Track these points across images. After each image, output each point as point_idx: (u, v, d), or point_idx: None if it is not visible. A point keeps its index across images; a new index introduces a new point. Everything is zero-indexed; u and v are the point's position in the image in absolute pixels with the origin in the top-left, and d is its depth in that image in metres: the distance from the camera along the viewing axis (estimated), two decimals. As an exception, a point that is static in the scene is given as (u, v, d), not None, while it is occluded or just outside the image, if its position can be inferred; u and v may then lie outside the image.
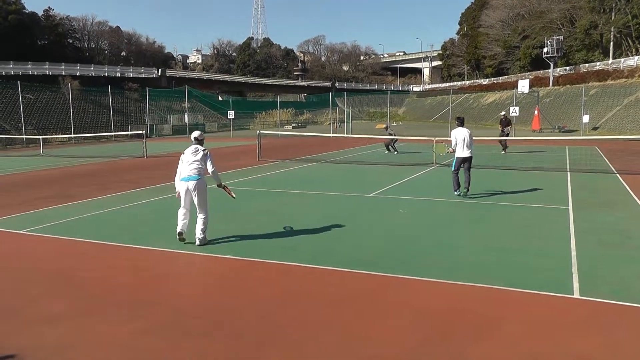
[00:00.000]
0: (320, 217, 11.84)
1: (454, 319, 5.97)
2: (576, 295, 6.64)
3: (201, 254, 8.88)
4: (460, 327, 5.76)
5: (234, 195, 10.14)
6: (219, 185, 9.92)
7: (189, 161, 9.41)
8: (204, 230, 9.37)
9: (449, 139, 14.82)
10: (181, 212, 9.42)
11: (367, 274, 7.64)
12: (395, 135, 29.46)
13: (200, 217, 9.37)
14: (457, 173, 14.25)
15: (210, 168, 9.52)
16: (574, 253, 8.51)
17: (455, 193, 14.15)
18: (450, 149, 14.41)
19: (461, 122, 14.40)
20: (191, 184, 9.24)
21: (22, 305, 6.70)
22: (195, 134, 9.91)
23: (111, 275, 7.90)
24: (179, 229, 9.38)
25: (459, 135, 14.06)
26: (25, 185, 18.52)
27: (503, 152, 27.72)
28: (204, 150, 9.62)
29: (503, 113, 30.22)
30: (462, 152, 14.06)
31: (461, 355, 5.10)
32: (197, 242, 9.31)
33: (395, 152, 28.27)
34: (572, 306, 6.35)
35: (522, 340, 5.41)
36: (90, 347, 5.46)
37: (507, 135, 28.07)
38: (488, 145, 30.46)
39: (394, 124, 53.69)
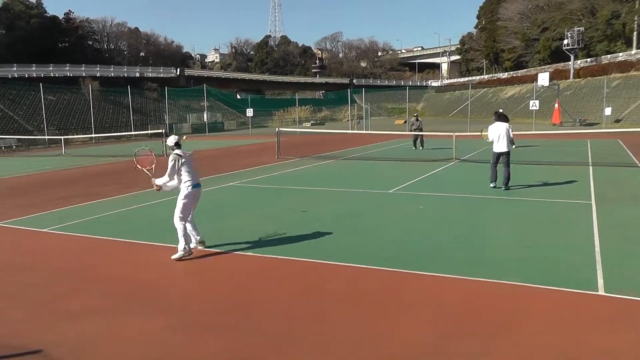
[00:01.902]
0: (341, 214, 11.84)
1: (475, 316, 5.94)
2: (601, 292, 6.54)
3: (224, 251, 8.92)
4: (482, 324, 5.72)
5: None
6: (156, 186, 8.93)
7: (191, 166, 8.80)
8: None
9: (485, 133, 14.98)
10: (190, 224, 8.84)
11: (388, 270, 7.62)
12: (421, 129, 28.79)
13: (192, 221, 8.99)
14: (495, 166, 14.48)
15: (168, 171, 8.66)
16: (597, 249, 8.40)
17: (491, 185, 14.45)
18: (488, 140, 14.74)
19: (498, 117, 14.56)
20: (199, 191, 8.94)
21: (46, 302, 6.79)
22: (176, 138, 8.88)
23: (134, 273, 7.97)
24: (199, 238, 8.96)
25: (494, 132, 14.23)
26: (48, 184, 18.75)
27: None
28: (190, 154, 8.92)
29: (501, 110, 29.57)
30: (498, 147, 14.21)
31: (483, 352, 5.07)
32: (196, 244, 8.97)
33: (421, 148, 27.94)
34: (596, 303, 6.26)
35: (545, 337, 5.36)
36: (114, 343, 5.52)
37: None
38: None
39: (412, 119, 53.44)
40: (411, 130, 29.24)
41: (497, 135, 14.16)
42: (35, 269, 8.38)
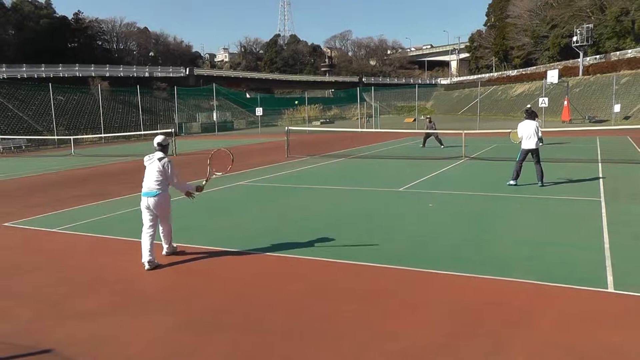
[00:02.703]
0: (350, 213, 11.84)
1: (485, 314, 5.92)
2: (610, 289, 6.51)
3: (232, 249, 8.94)
4: (492, 322, 5.70)
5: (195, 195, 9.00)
6: (189, 194, 8.83)
7: (148, 172, 8.41)
8: (170, 240, 8.72)
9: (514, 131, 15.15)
10: (145, 234, 8.21)
11: (397, 268, 7.62)
12: (435, 129, 28.24)
13: (163, 230, 8.56)
14: (521, 163, 14.58)
15: (173, 179, 8.42)
16: (607, 246, 8.36)
17: (511, 182, 14.49)
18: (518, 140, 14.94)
19: (529, 115, 14.77)
20: (151, 201, 8.24)
21: (57, 301, 6.83)
22: (159, 139, 8.60)
23: (144, 272, 7.99)
24: (147, 258, 8.08)
25: (524, 129, 14.40)
26: (58, 184, 18.85)
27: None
28: (160, 158, 8.36)
29: (529, 105, 29.63)
30: (527, 144, 14.38)
31: (494, 350, 5.05)
32: (165, 252, 8.70)
33: (442, 146, 27.25)
34: (606, 300, 6.23)
35: (555, 335, 5.33)
36: (124, 342, 5.54)
37: None
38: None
39: (422, 117, 53.22)
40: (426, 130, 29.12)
41: (527, 132, 14.32)
42: (46, 269, 8.42)
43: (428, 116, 32.82)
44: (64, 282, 7.71)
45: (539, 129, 14.44)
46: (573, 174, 16.07)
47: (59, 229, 11.11)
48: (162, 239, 8.61)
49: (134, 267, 8.25)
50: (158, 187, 8.25)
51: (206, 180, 9.02)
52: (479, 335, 5.39)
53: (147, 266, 8.03)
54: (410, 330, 5.56)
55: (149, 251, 8.08)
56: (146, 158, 8.53)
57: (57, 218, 12.40)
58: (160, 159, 8.31)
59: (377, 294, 6.68)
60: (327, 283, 7.21)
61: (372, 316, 5.99)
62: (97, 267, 8.35)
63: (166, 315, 6.23)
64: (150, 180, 8.30)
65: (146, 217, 8.29)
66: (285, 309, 6.29)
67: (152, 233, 8.21)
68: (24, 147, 43.59)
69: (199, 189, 8.84)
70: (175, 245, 8.93)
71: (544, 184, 14.21)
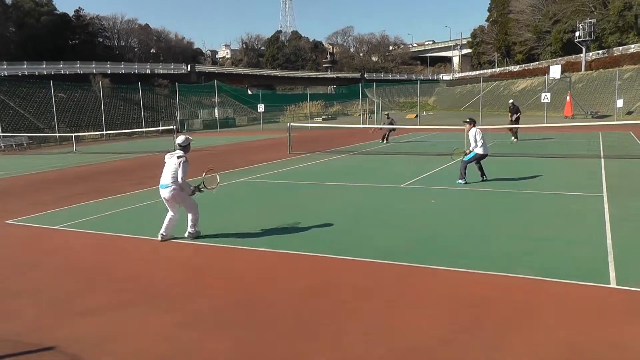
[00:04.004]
0: (353, 209, 11.84)
1: (487, 309, 5.92)
2: (613, 284, 6.51)
3: (236, 246, 8.95)
4: (494, 318, 5.71)
5: (205, 189, 9.76)
6: (192, 193, 9.45)
7: (165, 167, 9.30)
8: (192, 225, 9.50)
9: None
10: (167, 215, 9.48)
11: (400, 264, 7.62)
12: (394, 124, 30.50)
13: (189, 216, 9.47)
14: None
15: (179, 177, 9.09)
16: (609, 241, 8.36)
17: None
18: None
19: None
20: (164, 192, 9.21)
21: (60, 299, 6.84)
22: (179, 139, 9.58)
23: (147, 269, 8.01)
24: (161, 231, 9.46)
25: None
26: (60, 182, 18.87)
27: (515, 139, 26.95)
28: (179, 156, 9.16)
29: (511, 101, 29.50)
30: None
31: (495, 346, 5.06)
32: (186, 234, 9.50)
33: (386, 143, 29.24)
34: (609, 296, 6.23)
35: (557, 330, 5.34)
36: (129, 339, 5.55)
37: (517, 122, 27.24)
38: (525, 132, 30.05)
39: (424, 113, 53.24)
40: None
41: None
42: (48, 266, 8.44)
43: (386, 113, 34.80)
44: (68, 279, 7.73)
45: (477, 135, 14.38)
46: (576, 170, 16.06)
47: (61, 227, 11.12)
48: (187, 224, 9.52)
49: (137, 264, 8.27)
50: (170, 181, 9.10)
51: (199, 190, 9.58)
52: (482, 330, 5.40)
53: (159, 237, 9.41)
54: (414, 326, 5.57)
55: (165, 227, 9.42)
56: (167, 155, 9.44)
57: (60, 215, 12.41)
58: (178, 157, 9.15)
59: (379, 290, 6.68)
60: (329, 279, 7.22)
61: (375, 312, 5.99)
62: (101, 265, 8.36)
63: (170, 312, 6.24)
64: (166, 174, 9.18)
65: (166, 204, 9.40)
66: (288, 305, 6.30)
67: (170, 216, 9.42)
68: (25, 144, 43.56)
69: (194, 191, 9.49)
70: (197, 230, 9.59)
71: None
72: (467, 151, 14.66)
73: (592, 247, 8.13)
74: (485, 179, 14.43)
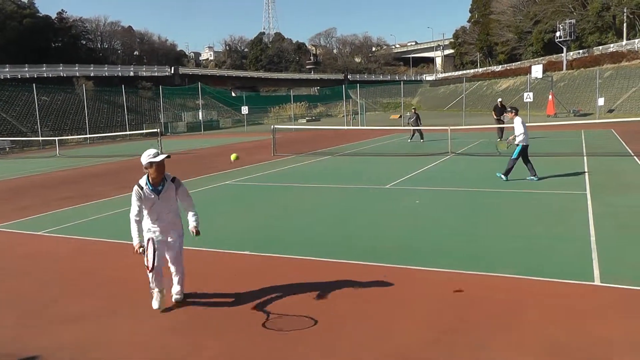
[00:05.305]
0: (337, 211, 11.84)
1: (474, 309, 5.94)
2: (597, 282, 6.56)
3: (220, 250, 8.91)
4: (481, 317, 5.73)
5: None
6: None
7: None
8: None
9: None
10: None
11: (385, 266, 7.62)
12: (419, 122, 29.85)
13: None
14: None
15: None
16: (593, 239, 8.43)
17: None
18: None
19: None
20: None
21: (43, 306, 6.75)
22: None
23: (132, 274, 7.94)
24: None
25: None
26: (43, 186, 18.70)
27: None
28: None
29: (500, 100, 29.82)
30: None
31: (483, 345, 5.07)
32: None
33: (421, 141, 28.54)
34: (593, 293, 6.28)
35: (543, 328, 5.36)
36: (113, 346, 5.49)
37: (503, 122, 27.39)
38: (510, 132, 30.21)
39: (408, 113, 53.48)
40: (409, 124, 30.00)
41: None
42: (31, 273, 8.33)
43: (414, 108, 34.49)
44: (50, 286, 7.62)
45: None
46: (559, 168, 16.16)
47: (44, 232, 11.00)
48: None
49: (122, 270, 8.19)
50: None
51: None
52: (467, 330, 5.41)
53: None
54: (402, 328, 5.56)
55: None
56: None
57: (42, 221, 12.28)
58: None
59: (366, 292, 6.67)
60: (315, 282, 7.19)
61: (364, 315, 5.98)
62: (85, 270, 8.28)
63: (156, 318, 6.18)
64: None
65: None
66: (278, 310, 6.26)
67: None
68: (7, 148, 43.18)
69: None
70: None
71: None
72: (510, 139, 15.02)
73: (576, 245, 8.18)
74: (536, 177, 14.36)
